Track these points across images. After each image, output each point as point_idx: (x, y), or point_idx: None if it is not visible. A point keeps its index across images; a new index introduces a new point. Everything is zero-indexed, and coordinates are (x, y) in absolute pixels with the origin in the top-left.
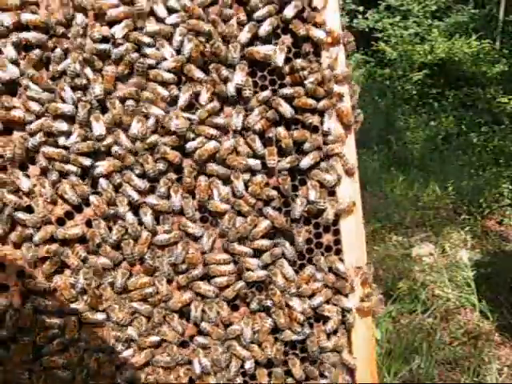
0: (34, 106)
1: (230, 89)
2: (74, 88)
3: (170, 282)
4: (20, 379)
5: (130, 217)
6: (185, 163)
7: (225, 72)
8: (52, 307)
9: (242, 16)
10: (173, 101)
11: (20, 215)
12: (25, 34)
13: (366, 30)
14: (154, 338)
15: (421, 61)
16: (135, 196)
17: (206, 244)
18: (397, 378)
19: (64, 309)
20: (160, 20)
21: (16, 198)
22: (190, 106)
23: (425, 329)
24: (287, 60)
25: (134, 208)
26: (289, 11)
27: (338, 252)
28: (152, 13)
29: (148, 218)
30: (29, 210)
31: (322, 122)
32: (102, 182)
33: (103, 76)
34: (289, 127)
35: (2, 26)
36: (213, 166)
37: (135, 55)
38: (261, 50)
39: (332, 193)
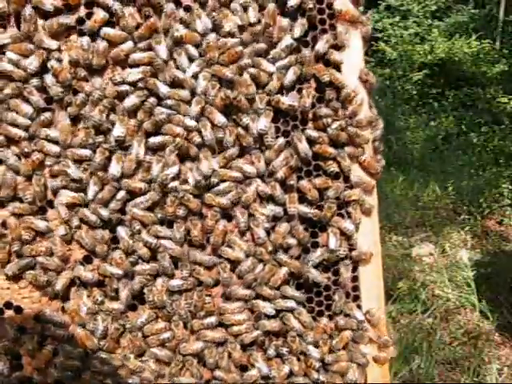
0: (54, 148)
1: (254, 131)
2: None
3: (185, 325)
4: None
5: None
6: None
7: (246, 120)
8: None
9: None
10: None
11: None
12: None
13: None
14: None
15: (421, 61)
16: (153, 240)
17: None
18: (397, 378)
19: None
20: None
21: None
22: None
23: (425, 329)
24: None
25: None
26: (321, 46)
27: (356, 298)
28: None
29: (166, 262)
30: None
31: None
32: (121, 230)
33: (123, 120)
34: (309, 174)
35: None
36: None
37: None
38: (286, 101)
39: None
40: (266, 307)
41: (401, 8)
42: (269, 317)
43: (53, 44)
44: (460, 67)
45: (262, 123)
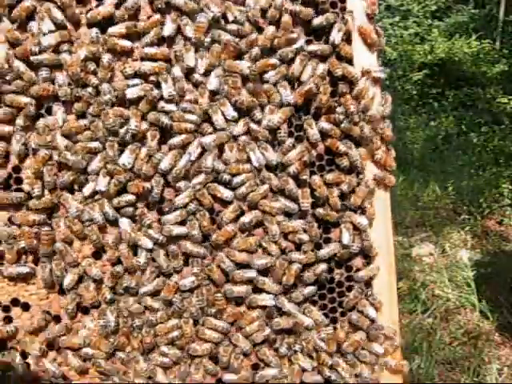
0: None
1: (264, 122)
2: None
3: (196, 322)
4: None
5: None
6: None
7: (259, 114)
8: None
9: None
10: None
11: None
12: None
13: None
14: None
15: (421, 61)
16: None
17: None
18: None
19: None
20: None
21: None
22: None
23: (425, 329)
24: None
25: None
26: (336, 35)
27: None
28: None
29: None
30: None
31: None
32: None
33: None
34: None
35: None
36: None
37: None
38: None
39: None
40: (266, 299)
41: (401, 8)
42: (281, 314)
43: None
44: (460, 67)
45: (276, 117)
